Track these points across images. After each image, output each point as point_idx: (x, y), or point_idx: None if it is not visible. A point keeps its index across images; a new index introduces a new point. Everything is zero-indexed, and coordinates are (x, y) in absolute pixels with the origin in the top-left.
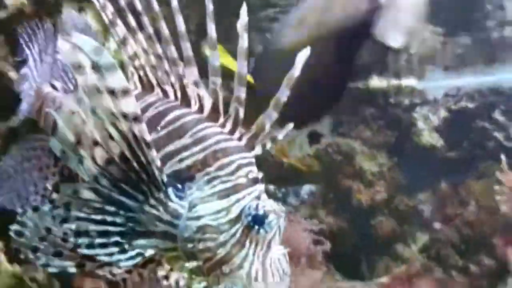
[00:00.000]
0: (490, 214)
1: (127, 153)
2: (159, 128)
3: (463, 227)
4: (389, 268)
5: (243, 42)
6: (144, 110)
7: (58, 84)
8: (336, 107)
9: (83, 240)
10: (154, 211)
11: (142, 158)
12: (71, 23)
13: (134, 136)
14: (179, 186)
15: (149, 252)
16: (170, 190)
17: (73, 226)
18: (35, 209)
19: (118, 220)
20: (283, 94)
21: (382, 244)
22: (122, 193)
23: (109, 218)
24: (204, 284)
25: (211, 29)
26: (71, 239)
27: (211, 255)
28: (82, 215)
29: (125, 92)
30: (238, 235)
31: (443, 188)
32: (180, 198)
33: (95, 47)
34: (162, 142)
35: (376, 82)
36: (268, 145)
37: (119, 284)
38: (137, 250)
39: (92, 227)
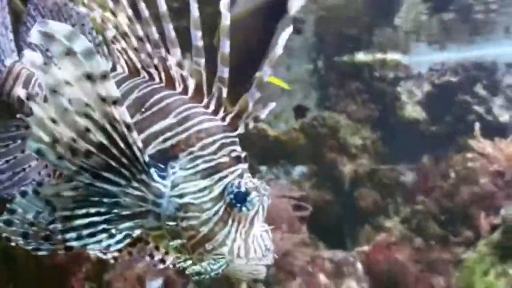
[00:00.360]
0: (469, 185)
1: (106, 142)
2: (143, 109)
3: (443, 199)
4: (371, 238)
5: (225, 21)
6: (129, 92)
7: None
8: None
9: (70, 235)
10: (137, 193)
11: (121, 143)
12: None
13: (114, 120)
14: (162, 166)
15: (136, 233)
16: (152, 170)
17: (59, 226)
18: (23, 194)
19: (103, 209)
20: (266, 74)
21: (365, 215)
22: (104, 181)
23: (92, 210)
24: (189, 262)
25: (194, 8)
26: (59, 237)
27: (194, 233)
28: (66, 213)
29: (104, 76)
30: (220, 213)
31: (425, 161)
32: (163, 177)
33: (70, 33)
34: (146, 123)
35: (362, 56)
36: (251, 125)
37: (110, 262)
38: (124, 233)
39: (78, 222)
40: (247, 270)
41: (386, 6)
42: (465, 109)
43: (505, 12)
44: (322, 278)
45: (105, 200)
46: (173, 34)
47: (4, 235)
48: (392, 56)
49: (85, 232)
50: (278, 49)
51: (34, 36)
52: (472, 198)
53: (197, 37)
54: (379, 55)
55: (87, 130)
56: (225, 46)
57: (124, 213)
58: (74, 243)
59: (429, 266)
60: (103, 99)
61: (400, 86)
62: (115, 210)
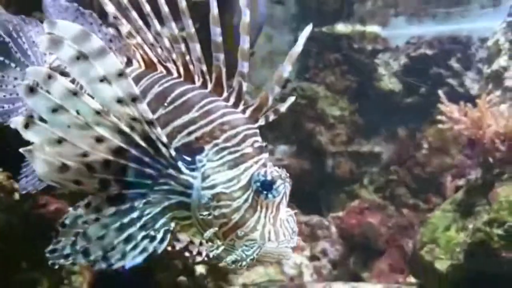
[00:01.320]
0: (440, 155)
1: (124, 145)
2: (166, 104)
3: (415, 168)
4: (346, 205)
5: (246, 18)
6: (150, 87)
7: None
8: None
9: (115, 258)
10: (165, 187)
11: (143, 142)
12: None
13: (133, 119)
14: (189, 158)
15: (172, 226)
16: (180, 164)
17: (99, 253)
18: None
19: (135, 214)
20: (286, 70)
21: (341, 184)
22: (129, 186)
23: (125, 219)
24: (221, 248)
25: (213, 5)
26: (103, 265)
27: (226, 220)
28: (100, 234)
29: (120, 74)
30: (250, 200)
31: (399, 132)
32: (192, 169)
33: (79, 33)
34: (170, 117)
35: (342, 27)
36: (271, 117)
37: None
38: (162, 230)
39: (115, 240)
40: (277, 252)
41: None
42: (439, 81)
43: None
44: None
45: (135, 204)
46: (192, 29)
47: (50, 262)
48: (371, 28)
49: (127, 247)
50: (298, 46)
51: (42, 43)
52: (442, 167)
53: (217, 33)
54: (359, 27)
55: (98, 140)
56: (245, 42)
57: (156, 210)
58: (120, 264)
59: (399, 230)
60: (119, 100)
61: (378, 58)
62: (147, 211)
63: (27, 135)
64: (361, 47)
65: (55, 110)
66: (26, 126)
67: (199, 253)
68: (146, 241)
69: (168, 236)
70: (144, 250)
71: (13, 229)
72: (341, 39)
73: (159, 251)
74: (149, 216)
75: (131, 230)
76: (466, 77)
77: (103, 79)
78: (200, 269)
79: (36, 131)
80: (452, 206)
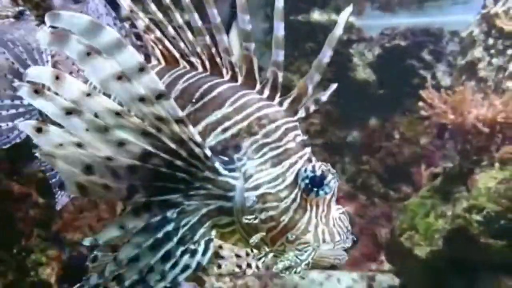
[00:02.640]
0: (411, 145)
1: (151, 148)
2: (194, 100)
3: (387, 158)
4: None
5: (279, 3)
6: (173, 83)
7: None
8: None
9: (154, 279)
10: (202, 191)
11: (172, 144)
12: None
13: (159, 119)
14: (226, 158)
15: (213, 234)
16: (217, 164)
17: (135, 277)
18: (94, 259)
19: (170, 227)
20: (326, 55)
21: None
22: (160, 193)
23: (159, 234)
24: (270, 255)
25: None
26: None
27: (274, 224)
28: (133, 255)
29: (141, 69)
30: (298, 199)
31: (372, 122)
32: (230, 170)
33: (89, 25)
34: (200, 114)
35: (317, 16)
36: (312, 108)
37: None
38: (203, 241)
39: (152, 260)
40: (333, 255)
41: None
42: (411, 73)
43: None
44: None
45: (168, 214)
46: (218, 19)
47: None
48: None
49: (166, 266)
50: (338, 29)
51: (43, 39)
52: (412, 157)
53: (245, 21)
54: (334, 16)
55: (121, 144)
56: (279, 29)
57: (193, 220)
58: (162, 285)
59: (371, 219)
60: (142, 99)
61: (353, 48)
62: (183, 222)
63: (40, 140)
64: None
65: (68, 112)
66: (39, 130)
67: (249, 266)
68: (186, 257)
69: (211, 245)
70: (186, 267)
71: None
72: (316, 28)
73: (204, 264)
74: (186, 227)
75: (168, 246)
76: (438, 69)
77: (120, 76)
78: None
79: (50, 136)
80: (430, 193)
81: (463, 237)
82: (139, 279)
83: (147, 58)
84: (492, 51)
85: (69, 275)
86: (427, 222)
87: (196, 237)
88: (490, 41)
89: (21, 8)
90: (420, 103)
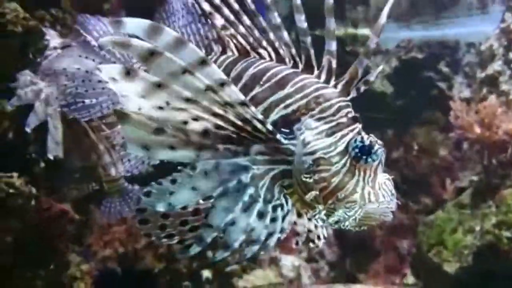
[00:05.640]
0: (429, 157)
1: (221, 123)
2: (261, 82)
3: (405, 169)
4: None
5: (329, 1)
6: (246, 69)
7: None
8: None
9: (261, 234)
10: (267, 157)
11: (239, 122)
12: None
13: (225, 104)
14: (287, 130)
15: (282, 199)
16: (278, 136)
17: (242, 237)
18: (147, 194)
19: (251, 190)
20: (373, 41)
21: None
22: (230, 155)
23: (246, 198)
24: (324, 212)
25: None
26: (255, 248)
27: (326, 184)
28: (230, 218)
29: (203, 62)
30: (348, 165)
31: (389, 133)
32: (291, 139)
33: (150, 27)
34: (266, 93)
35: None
36: (362, 88)
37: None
38: (281, 196)
39: (251, 219)
40: (378, 213)
41: None
42: (429, 84)
43: None
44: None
45: (243, 178)
46: (278, 20)
47: (144, 232)
48: (363, 31)
49: (266, 222)
50: (383, 18)
51: (108, 44)
52: (431, 168)
53: (301, 20)
54: (351, 30)
55: (195, 119)
56: (331, 22)
57: (267, 182)
58: (274, 239)
59: (393, 231)
60: (207, 89)
61: (370, 61)
62: (260, 184)
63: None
64: (353, 50)
65: (143, 96)
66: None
67: (318, 237)
68: (279, 210)
69: (288, 212)
70: (284, 217)
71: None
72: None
73: (293, 211)
74: (264, 188)
75: (257, 206)
76: (455, 81)
77: (185, 71)
78: (206, 274)
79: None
80: (457, 208)
81: (493, 253)
82: (246, 238)
83: (224, 50)
84: None
85: None
86: (455, 238)
87: (276, 195)
88: (511, 55)
89: (67, 40)
90: (451, 114)
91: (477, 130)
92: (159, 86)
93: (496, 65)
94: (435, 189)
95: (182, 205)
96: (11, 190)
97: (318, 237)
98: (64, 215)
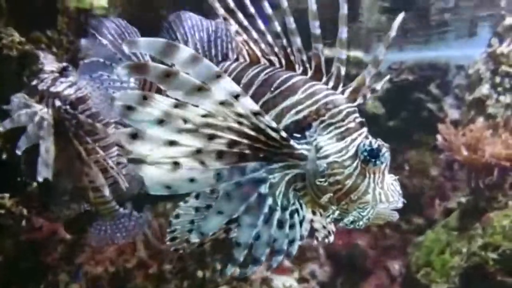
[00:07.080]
0: (421, 177)
1: (236, 138)
2: (272, 89)
3: None
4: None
5: (343, 10)
6: (257, 75)
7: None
8: None
9: (282, 244)
10: (282, 164)
11: (253, 132)
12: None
13: (239, 116)
14: (299, 135)
15: (297, 203)
16: (292, 142)
17: (267, 250)
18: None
19: (270, 201)
20: (381, 52)
21: None
22: (248, 173)
23: (266, 210)
24: (337, 213)
25: (312, 3)
26: (279, 258)
27: (340, 186)
28: (254, 233)
29: (218, 76)
30: (359, 168)
31: None
32: (303, 144)
33: (165, 46)
34: (278, 99)
35: (327, 51)
36: (368, 96)
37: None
38: (296, 200)
39: (273, 231)
40: (387, 213)
41: (351, 4)
42: (420, 106)
43: (458, 19)
44: (286, 262)
45: (262, 191)
46: (293, 25)
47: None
48: (355, 53)
49: (286, 231)
50: (392, 32)
51: (124, 70)
52: (423, 188)
53: (315, 27)
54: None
55: (211, 138)
56: (343, 33)
57: (282, 189)
58: (295, 247)
59: (384, 251)
60: (222, 102)
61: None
62: (277, 193)
63: (135, 145)
64: (346, 72)
65: (160, 122)
66: (134, 136)
67: (330, 233)
68: (296, 216)
69: (303, 211)
70: (301, 222)
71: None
72: (329, 62)
73: (307, 214)
74: (280, 196)
75: (277, 215)
76: (445, 103)
77: (201, 88)
78: None
79: (146, 140)
80: (446, 229)
81: (480, 274)
82: (271, 250)
83: (237, 57)
84: (499, 89)
85: None
86: (442, 259)
87: (291, 200)
88: (497, 79)
89: (64, 64)
90: (438, 138)
91: (464, 153)
92: (176, 106)
93: (484, 89)
94: (427, 209)
95: (213, 231)
96: (1, 211)
97: (329, 233)
98: (55, 235)
